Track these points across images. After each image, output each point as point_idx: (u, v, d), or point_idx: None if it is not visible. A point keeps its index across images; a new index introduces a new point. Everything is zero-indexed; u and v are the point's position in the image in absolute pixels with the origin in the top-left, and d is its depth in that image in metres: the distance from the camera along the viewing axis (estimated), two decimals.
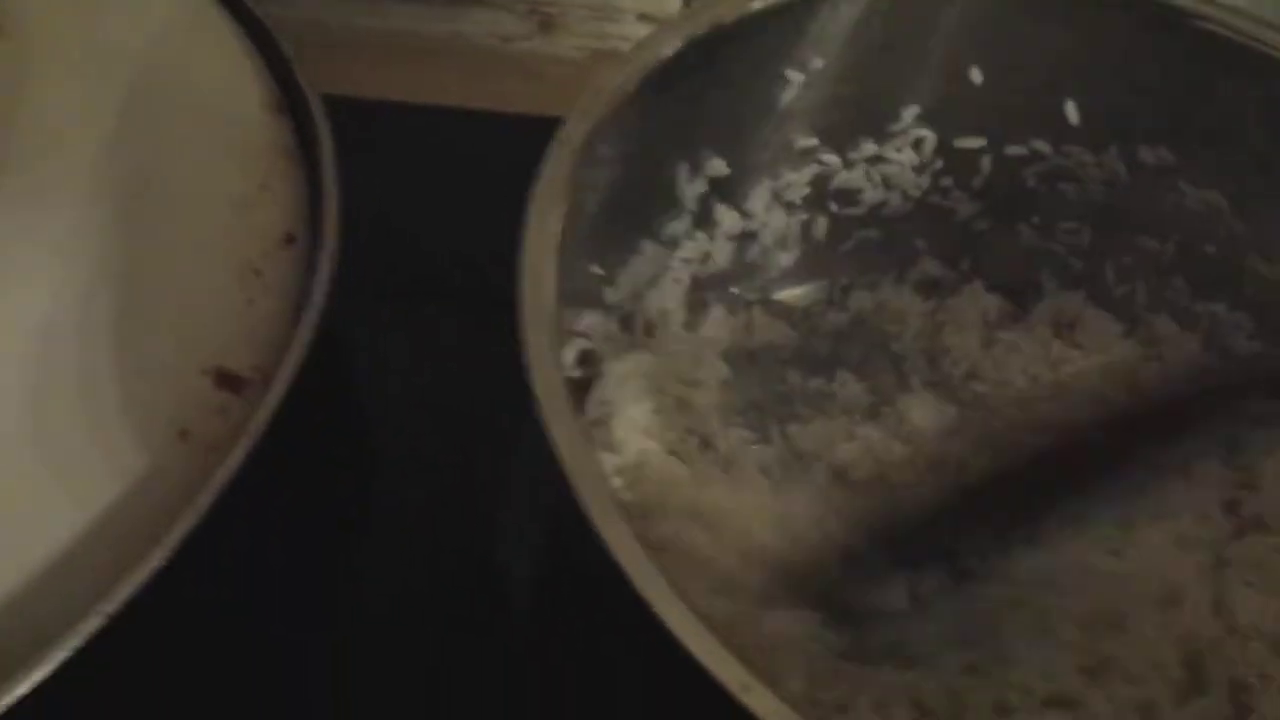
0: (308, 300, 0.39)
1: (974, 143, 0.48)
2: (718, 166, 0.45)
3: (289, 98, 0.45)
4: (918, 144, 0.48)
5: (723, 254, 0.47)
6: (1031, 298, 0.51)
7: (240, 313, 0.39)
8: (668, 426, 0.44)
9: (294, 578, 0.44)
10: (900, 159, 0.49)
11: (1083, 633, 0.40)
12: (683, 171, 0.45)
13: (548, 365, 0.32)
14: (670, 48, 0.40)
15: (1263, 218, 0.46)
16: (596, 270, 0.41)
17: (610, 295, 0.43)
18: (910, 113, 0.48)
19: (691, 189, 0.45)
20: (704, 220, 0.46)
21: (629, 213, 0.43)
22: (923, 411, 0.48)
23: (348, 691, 0.43)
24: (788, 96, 0.45)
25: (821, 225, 0.50)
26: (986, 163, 0.49)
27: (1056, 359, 0.49)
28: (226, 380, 0.38)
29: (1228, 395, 0.44)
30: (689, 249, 0.46)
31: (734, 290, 0.49)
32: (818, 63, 0.45)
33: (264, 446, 0.35)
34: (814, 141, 0.48)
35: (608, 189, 0.39)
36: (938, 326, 0.50)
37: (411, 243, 0.52)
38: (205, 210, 0.41)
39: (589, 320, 0.41)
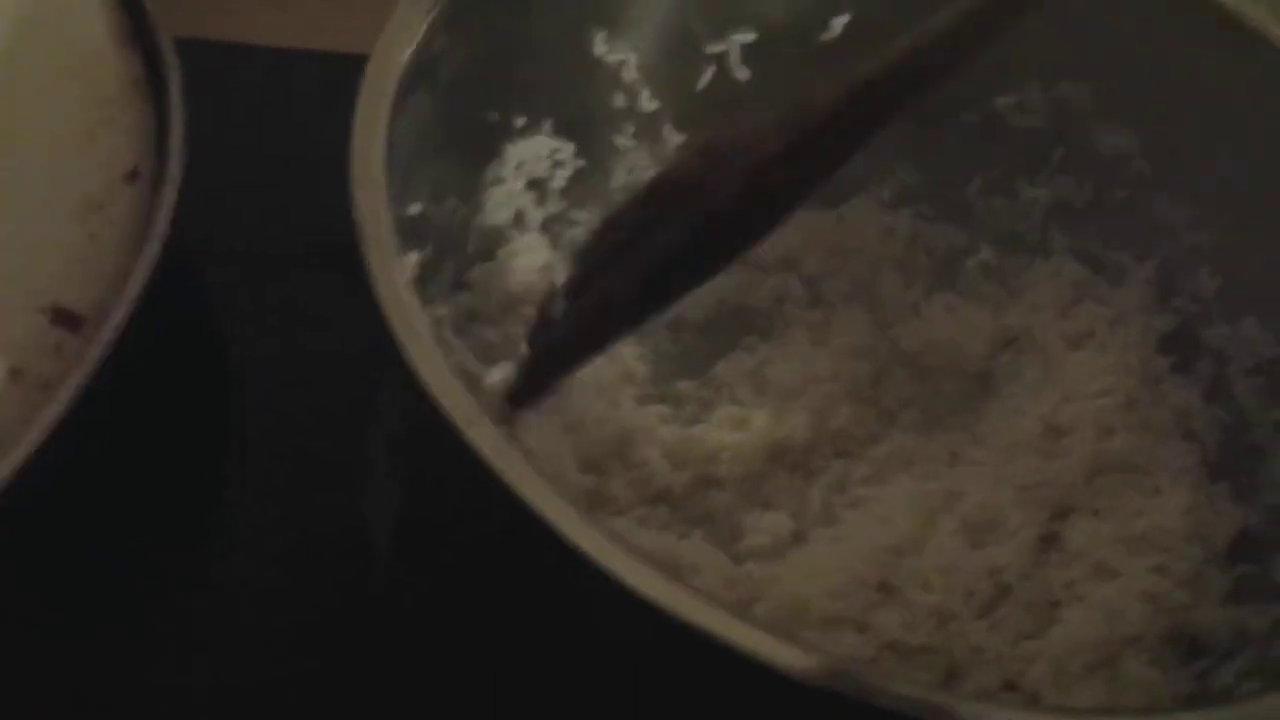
0: (149, 234, 0.38)
1: None
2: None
3: (139, 31, 0.44)
4: None
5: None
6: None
7: (81, 249, 0.38)
8: None
9: (147, 522, 0.43)
10: None
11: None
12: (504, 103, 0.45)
13: (393, 280, 0.32)
14: None
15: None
16: (421, 207, 0.40)
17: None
18: None
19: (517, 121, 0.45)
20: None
21: (459, 145, 0.43)
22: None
23: (198, 644, 0.42)
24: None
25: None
26: None
27: None
28: (63, 318, 0.37)
29: None
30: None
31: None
32: None
33: (99, 385, 0.35)
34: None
35: (432, 120, 0.39)
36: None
37: (260, 184, 0.51)
38: (46, 142, 0.40)
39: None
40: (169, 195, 0.39)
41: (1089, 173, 0.50)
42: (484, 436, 0.29)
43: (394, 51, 0.36)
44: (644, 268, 0.39)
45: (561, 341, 0.40)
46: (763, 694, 0.29)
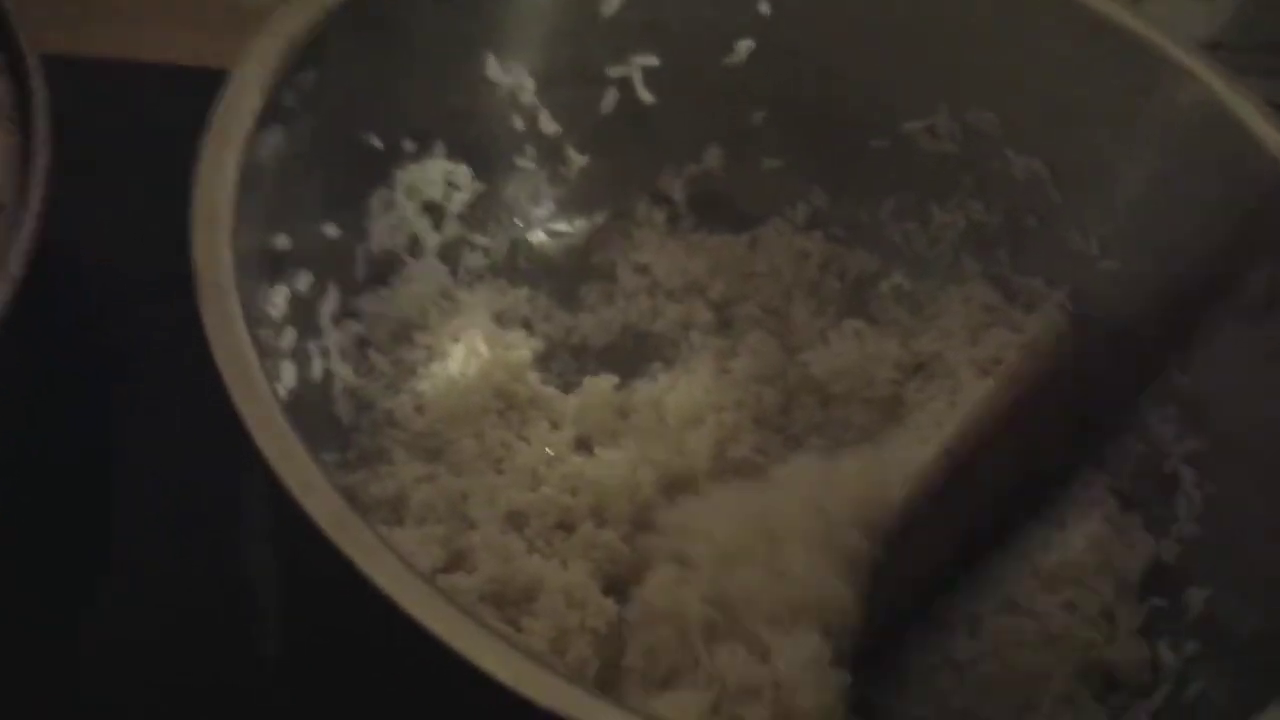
0: (2, 271, 0.36)
1: None
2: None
3: (6, 51, 0.42)
4: None
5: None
6: None
7: None
8: None
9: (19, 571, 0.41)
10: None
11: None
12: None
13: (228, 332, 0.30)
14: None
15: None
16: (289, 239, 0.39)
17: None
18: None
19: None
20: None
21: (338, 170, 0.41)
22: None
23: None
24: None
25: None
26: None
27: None
28: None
29: None
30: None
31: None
32: None
33: None
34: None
35: (304, 145, 0.37)
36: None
37: (135, 205, 0.49)
38: None
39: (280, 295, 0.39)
40: (27, 234, 0.37)
41: (1000, 198, 0.49)
42: (319, 505, 0.27)
43: (249, 80, 0.35)
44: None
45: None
46: None
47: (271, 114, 0.35)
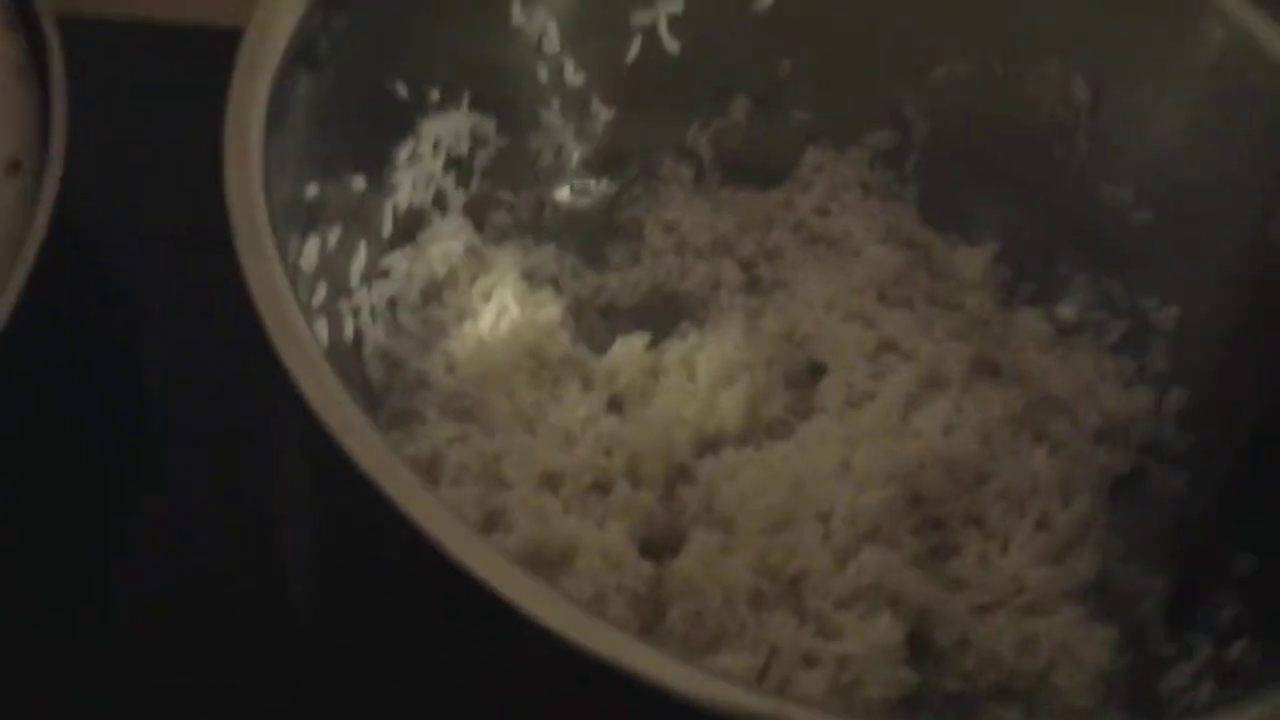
0: (30, 230, 0.36)
1: None
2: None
3: (20, 12, 0.41)
4: None
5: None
6: None
7: None
8: None
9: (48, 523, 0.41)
10: None
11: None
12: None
13: (267, 272, 0.29)
14: None
15: None
16: (318, 188, 0.38)
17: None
18: None
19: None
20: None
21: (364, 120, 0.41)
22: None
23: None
24: None
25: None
26: None
27: None
28: None
29: None
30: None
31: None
32: None
33: None
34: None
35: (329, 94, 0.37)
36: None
37: (150, 163, 0.49)
38: None
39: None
40: (50, 190, 0.36)
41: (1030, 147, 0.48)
42: (360, 443, 0.27)
43: (274, 24, 0.34)
44: None
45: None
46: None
47: (299, 54, 0.34)
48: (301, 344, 0.28)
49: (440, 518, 0.26)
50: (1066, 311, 0.47)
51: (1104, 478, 0.44)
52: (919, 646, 0.40)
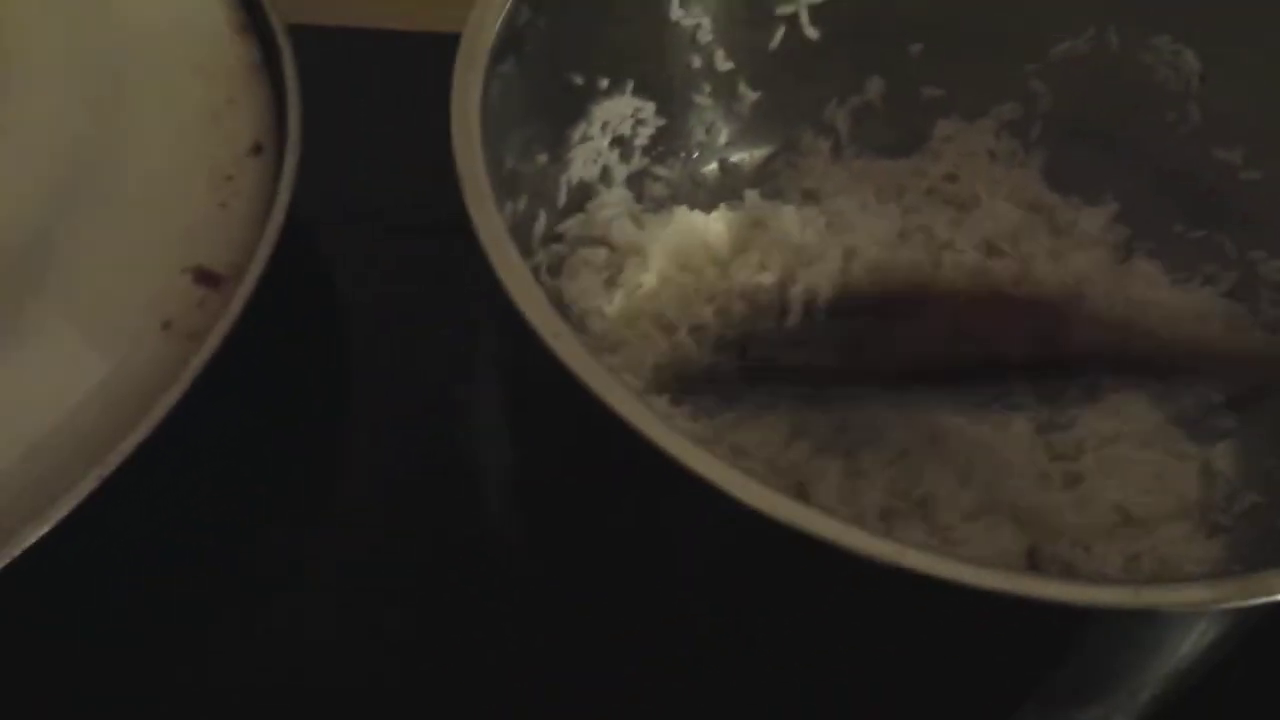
0: (274, 203, 0.42)
1: None
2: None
3: (254, 20, 0.48)
4: None
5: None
6: None
7: (215, 216, 0.43)
8: None
9: (275, 457, 0.48)
10: None
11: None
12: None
13: (491, 220, 0.35)
14: None
15: None
16: (513, 164, 0.44)
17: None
18: None
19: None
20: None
21: (547, 106, 0.47)
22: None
23: (325, 558, 0.47)
24: None
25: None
26: None
27: None
28: (205, 277, 0.42)
29: None
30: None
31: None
32: None
33: (238, 334, 0.39)
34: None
35: (521, 84, 0.43)
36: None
37: (369, 157, 0.55)
38: (179, 122, 0.45)
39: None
40: (291, 164, 0.43)
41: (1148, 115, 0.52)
42: (568, 348, 0.32)
43: (484, 24, 0.40)
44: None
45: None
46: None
47: (501, 50, 0.40)
48: (517, 271, 0.34)
49: (657, 423, 0.31)
50: (1180, 263, 0.51)
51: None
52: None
